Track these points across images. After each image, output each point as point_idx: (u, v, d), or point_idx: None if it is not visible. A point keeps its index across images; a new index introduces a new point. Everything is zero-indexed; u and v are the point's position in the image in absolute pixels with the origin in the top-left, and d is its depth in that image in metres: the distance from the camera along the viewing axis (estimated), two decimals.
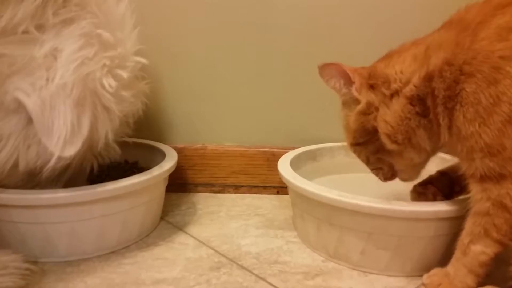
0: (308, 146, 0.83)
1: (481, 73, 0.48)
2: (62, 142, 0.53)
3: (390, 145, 0.56)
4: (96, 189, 0.61)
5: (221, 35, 0.85)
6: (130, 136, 0.71)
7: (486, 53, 0.48)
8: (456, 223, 0.56)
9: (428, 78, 0.52)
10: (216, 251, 0.66)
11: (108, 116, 0.60)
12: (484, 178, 0.50)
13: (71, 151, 0.54)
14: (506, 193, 0.48)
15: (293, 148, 0.81)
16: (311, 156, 0.82)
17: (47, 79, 0.53)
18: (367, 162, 0.62)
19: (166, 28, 0.84)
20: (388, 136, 0.55)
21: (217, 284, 0.57)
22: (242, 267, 0.62)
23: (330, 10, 0.82)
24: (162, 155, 0.77)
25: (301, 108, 0.88)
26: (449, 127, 0.52)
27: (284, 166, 0.71)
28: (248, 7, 0.83)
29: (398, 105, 0.54)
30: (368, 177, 0.64)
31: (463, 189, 0.61)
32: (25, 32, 0.53)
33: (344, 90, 0.58)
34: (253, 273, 0.60)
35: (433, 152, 0.58)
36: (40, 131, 0.53)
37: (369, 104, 0.56)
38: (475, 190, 0.51)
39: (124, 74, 0.61)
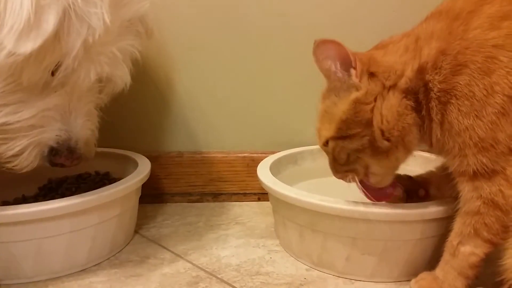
0: (288, 150, 0.80)
1: (475, 63, 0.46)
2: (16, 33, 0.45)
3: (381, 142, 0.51)
4: (63, 203, 0.57)
5: (196, 39, 0.82)
6: (99, 146, 0.67)
7: (480, 42, 0.46)
8: (444, 224, 0.54)
9: (421, 70, 0.49)
10: (194, 264, 0.62)
11: (80, 24, 0.50)
12: (476, 175, 0.48)
13: (27, 47, 0.46)
14: (498, 190, 0.47)
15: (273, 152, 0.78)
16: (292, 160, 0.79)
17: None
18: (345, 162, 0.54)
19: None
20: (382, 131, 0.50)
21: None
22: (222, 280, 0.58)
23: (310, 14, 0.80)
24: (135, 165, 0.73)
25: (280, 111, 0.85)
26: (441, 123, 0.49)
27: (263, 172, 0.68)
28: (224, 11, 0.81)
29: (394, 99, 0.50)
30: None
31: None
32: None
33: (340, 75, 0.51)
34: (233, 287, 0.57)
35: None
36: None
37: (368, 93, 0.50)
38: (466, 189, 0.49)
39: None
